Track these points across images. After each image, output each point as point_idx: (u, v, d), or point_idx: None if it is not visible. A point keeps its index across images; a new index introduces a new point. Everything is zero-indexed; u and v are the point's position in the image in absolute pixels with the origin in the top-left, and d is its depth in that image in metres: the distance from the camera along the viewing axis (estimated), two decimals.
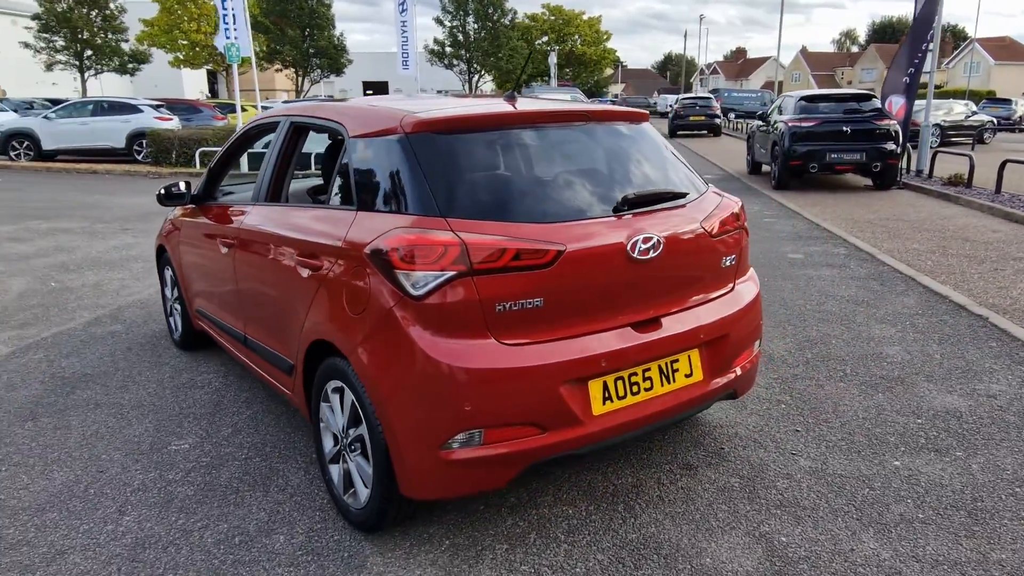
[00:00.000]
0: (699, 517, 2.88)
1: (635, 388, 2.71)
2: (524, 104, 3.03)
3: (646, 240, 2.68)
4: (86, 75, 30.89)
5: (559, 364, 2.49)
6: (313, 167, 9.70)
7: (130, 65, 31.45)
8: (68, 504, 3.04)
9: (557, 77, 52.00)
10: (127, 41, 30.46)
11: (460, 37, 31.06)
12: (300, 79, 30.62)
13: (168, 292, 5.08)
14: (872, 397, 3.96)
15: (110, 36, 29.88)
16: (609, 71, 74.53)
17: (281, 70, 30.63)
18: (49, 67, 30.63)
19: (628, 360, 2.66)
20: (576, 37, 57.97)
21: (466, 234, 2.42)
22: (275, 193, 3.51)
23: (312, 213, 3.11)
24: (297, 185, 3.98)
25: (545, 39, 55.27)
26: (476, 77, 32.81)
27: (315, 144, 3.94)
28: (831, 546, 2.68)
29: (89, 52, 30.63)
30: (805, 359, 4.57)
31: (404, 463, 2.47)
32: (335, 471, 2.92)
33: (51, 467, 3.35)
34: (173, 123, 18.62)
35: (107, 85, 43.53)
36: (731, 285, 3.11)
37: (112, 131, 17.93)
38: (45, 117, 18.15)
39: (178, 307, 4.89)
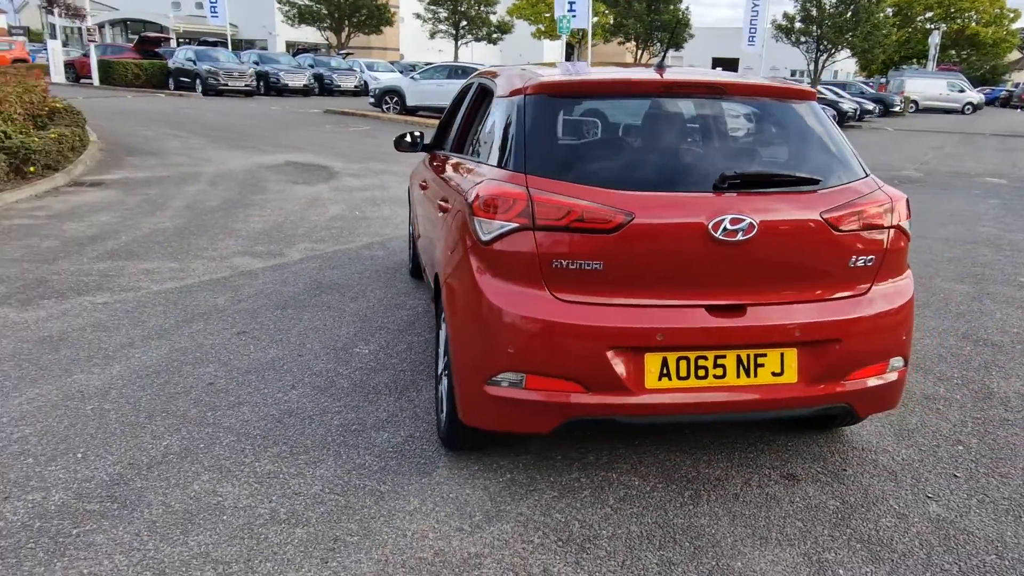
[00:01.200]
0: (762, 525, 2.70)
1: (701, 372, 2.62)
2: (666, 73, 3.01)
3: (734, 222, 2.55)
4: (459, 43, 35.17)
5: (608, 328, 2.54)
6: None
7: (494, 35, 34.99)
8: (265, 373, 3.88)
9: (937, 60, 45.36)
10: (495, 13, 33.92)
11: (814, 11, 28.70)
12: (640, 52, 31.24)
13: (408, 228, 5.93)
14: None
15: (482, 8, 33.54)
16: (1015, 55, 62.83)
17: (623, 43, 31.50)
18: (432, 35, 35.49)
19: (695, 341, 2.58)
20: (971, 14, 49.79)
21: (537, 191, 2.57)
22: (460, 144, 3.94)
23: (455, 162, 3.47)
24: None
25: (929, 15, 48.42)
26: (824, 56, 30.16)
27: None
28: None
29: (464, 23, 34.74)
30: None
31: (460, 390, 2.75)
32: (437, 391, 3.31)
33: (271, 345, 4.27)
34: None
35: (479, 53, 48.85)
36: (865, 287, 2.77)
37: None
38: (411, 78, 21.26)
39: (410, 241, 5.70)
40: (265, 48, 43.52)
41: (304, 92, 27.73)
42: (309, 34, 42.01)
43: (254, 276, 5.65)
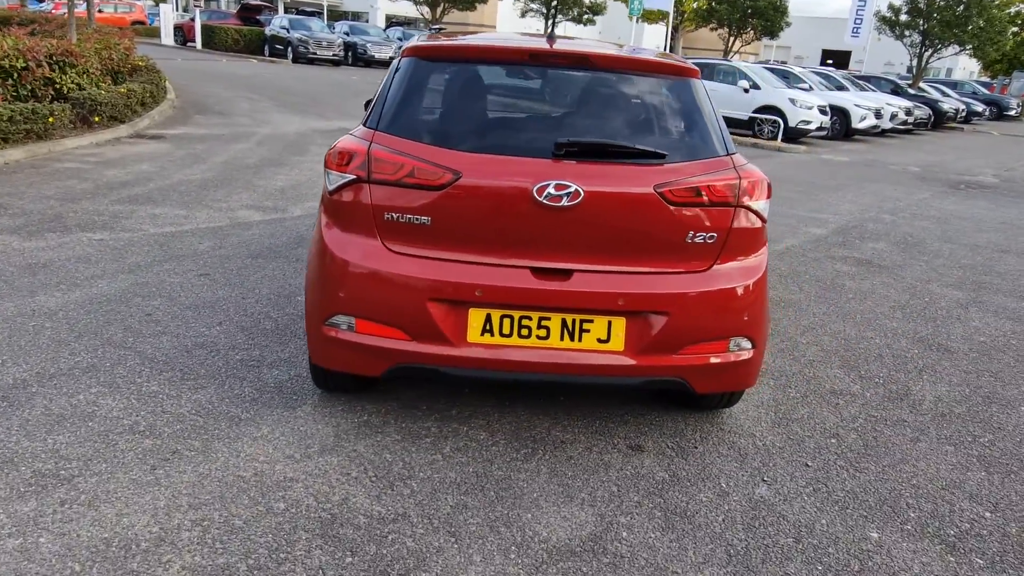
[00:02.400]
0: (577, 485, 2.77)
1: (525, 332, 2.71)
2: (533, 41, 3.07)
3: (559, 187, 2.61)
4: (549, 23, 35.07)
5: (429, 281, 2.67)
6: None
7: (585, 16, 34.72)
8: (202, 310, 4.19)
9: None
10: None
11: (922, 4, 26.82)
12: (731, 39, 30.22)
13: None
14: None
15: None
16: None
17: (715, 29, 30.55)
18: (523, 14, 35.53)
19: (517, 301, 2.68)
20: None
21: (378, 147, 2.71)
22: None
23: None
24: None
25: None
26: (929, 52, 28.24)
27: None
28: (650, 554, 2.40)
29: (555, 1, 34.60)
30: (941, 413, 3.63)
31: (307, 331, 2.94)
32: None
33: (224, 287, 4.59)
34: None
35: (576, 35, 48.41)
36: (705, 264, 2.78)
37: None
38: None
39: None
40: (366, 20, 44.71)
41: (389, 64, 28.35)
42: (407, 8, 42.83)
43: (247, 227, 6.02)
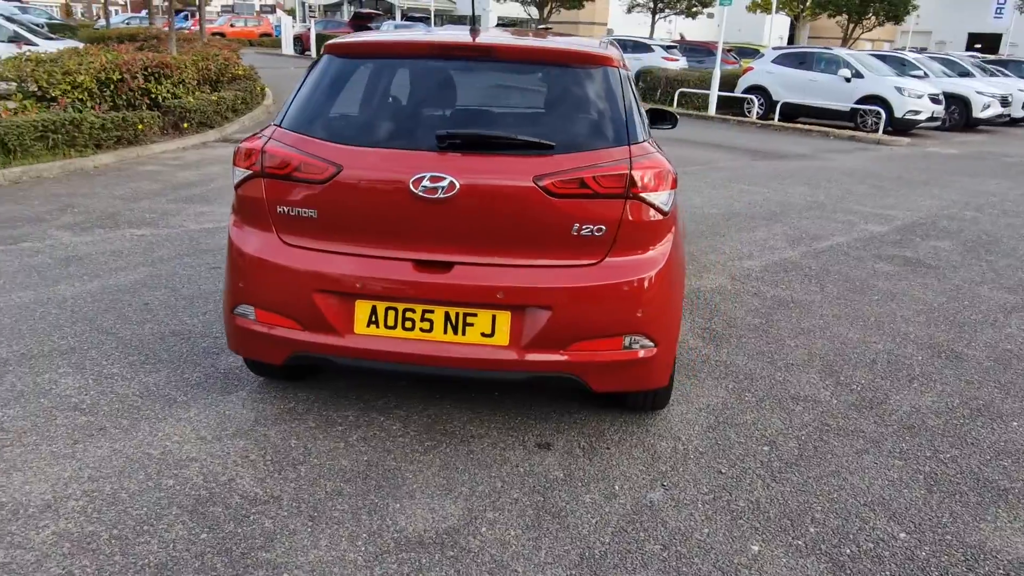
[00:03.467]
0: (464, 480, 2.76)
1: (408, 324, 2.73)
2: (450, 36, 3.07)
3: (434, 179, 2.62)
4: (656, 17, 34.38)
5: (312, 273, 2.74)
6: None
7: (694, 9, 33.72)
8: (196, 301, 4.47)
9: None
10: None
11: None
12: (851, 26, 28.25)
13: None
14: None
15: None
16: None
17: (833, 16, 28.70)
18: (629, 9, 35.00)
19: (397, 293, 2.70)
20: None
21: (273, 143, 2.82)
22: None
23: None
24: None
25: None
26: None
27: None
28: (499, 550, 2.35)
29: None
30: (909, 425, 3.31)
31: (224, 319, 3.09)
32: None
33: None
34: (678, 64, 19.84)
35: (692, 30, 47.18)
36: (594, 259, 2.69)
37: None
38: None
39: None
40: (477, 23, 45.50)
41: None
42: (514, 9, 43.29)
43: None
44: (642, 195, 2.69)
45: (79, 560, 2.27)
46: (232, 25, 38.39)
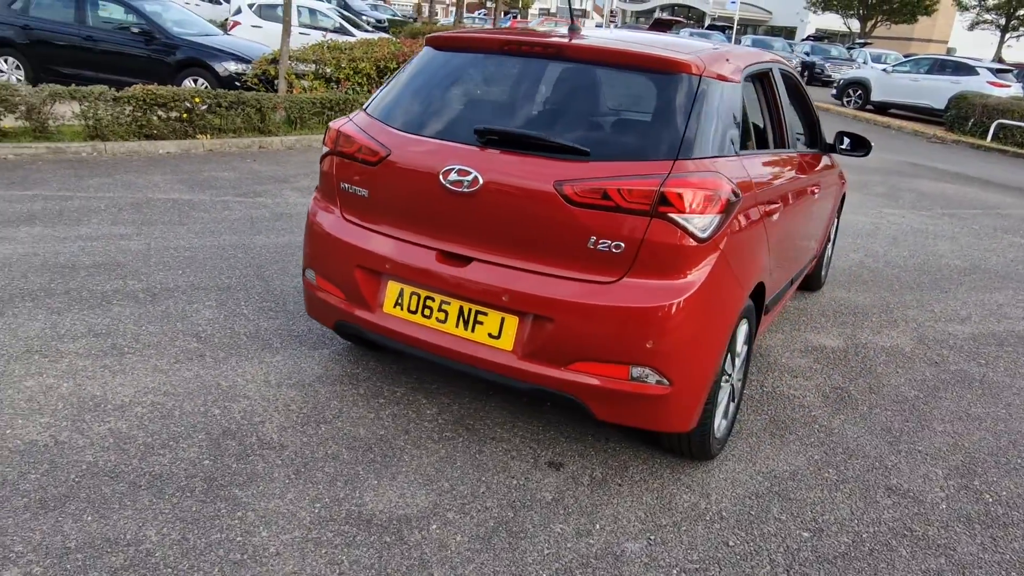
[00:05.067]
0: (455, 475, 2.74)
1: (427, 312, 2.78)
2: (536, 33, 3.00)
3: (461, 173, 2.61)
4: (1006, 36, 29.53)
5: (354, 248, 2.89)
6: None
7: None
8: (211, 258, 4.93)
9: None
10: None
11: None
12: None
13: None
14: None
15: None
16: None
17: None
18: (972, 26, 30.53)
19: (418, 280, 2.75)
20: None
21: (350, 124, 3.02)
22: None
23: None
24: None
25: None
26: None
27: None
28: (432, 550, 2.29)
29: (1022, 11, 28.96)
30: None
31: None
32: None
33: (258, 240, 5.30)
34: (1009, 91, 16.91)
35: None
36: (611, 277, 2.48)
37: (936, 91, 17.62)
38: (883, 69, 19.15)
39: None
40: (790, 35, 43.17)
41: None
42: (833, 21, 40.11)
43: None
44: (672, 215, 2.42)
45: (108, 455, 2.69)
46: (543, 26, 40.74)
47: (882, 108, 19.28)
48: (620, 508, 2.65)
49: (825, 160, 4.62)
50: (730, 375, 2.94)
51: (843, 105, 19.83)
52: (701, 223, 2.45)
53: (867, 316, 4.90)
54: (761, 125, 3.43)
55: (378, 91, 3.15)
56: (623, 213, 2.45)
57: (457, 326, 2.72)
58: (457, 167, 2.63)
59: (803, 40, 34.47)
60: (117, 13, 10.38)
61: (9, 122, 7.40)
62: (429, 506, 2.57)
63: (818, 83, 27.02)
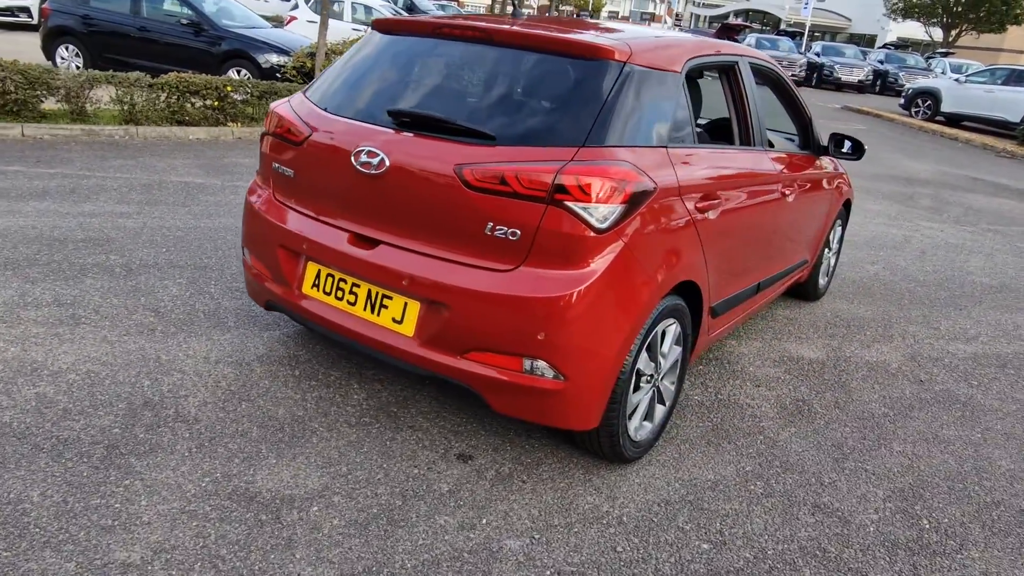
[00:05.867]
0: (358, 459, 2.71)
1: (339, 294, 2.76)
2: (472, 18, 2.94)
3: (370, 155, 2.58)
4: None
5: (278, 228, 2.90)
6: None
7: None
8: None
9: None
10: None
11: None
12: None
13: None
14: None
15: None
16: None
17: None
18: None
19: (332, 261, 2.74)
20: None
21: (284, 105, 3.02)
22: None
23: None
24: None
25: None
26: None
27: None
28: (302, 530, 2.26)
29: None
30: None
31: None
32: None
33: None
34: None
35: None
36: (509, 264, 2.41)
37: (1013, 103, 16.66)
38: (956, 80, 18.23)
39: None
40: (870, 43, 41.69)
41: (859, 88, 26.14)
42: (917, 30, 38.47)
43: None
44: (568, 203, 2.33)
45: (25, 417, 2.77)
46: None
47: (954, 120, 18.36)
48: (515, 505, 2.57)
49: (821, 163, 4.41)
50: (652, 376, 2.82)
51: (911, 115, 18.96)
52: (600, 213, 2.35)
53: (862, 329, 4.65)
54: (712, 119, 3.28)
55: (320, 74, 3.16)
56: (520, 199, 2.37)
57: (365, 309, 2.69)
58: (367, 148, 2.61)
59: (879, 48, 33.18)
60: (170, 5, 10.79)
61: (50, 104, 7.79)
62: (318, 488, 2.55)
63: (891, 92, 25.97)
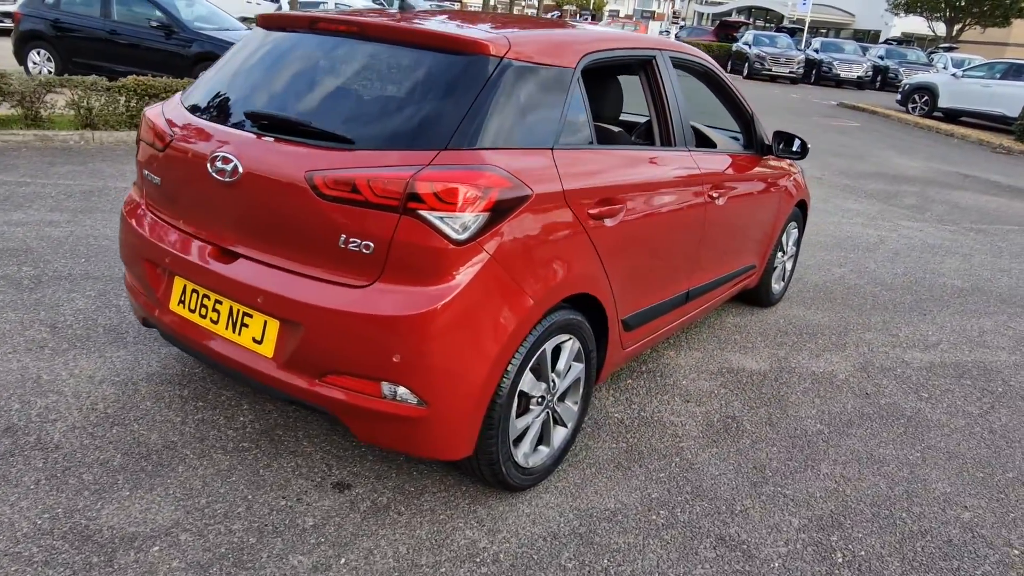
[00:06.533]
0: (221, 490, 2.50)
1: (203, 312, 2.55)
2: (346, 12, 2.74)
3: (224, 160, 2.38)
4: None
5: (144, 241, 2.70)
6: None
7: None
8: None
9: None
10: None
11: None
12: None
13: None
14: None
15: None
16: None
17: None
18: None
19: (194, 276, 2.53)
20: None
21: (152, 109, 2.83)
22: None
23: None
24: None
25: None
26: None
27: None
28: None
29: None
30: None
31: None
32: None
33: None
34: None
35: None
36: (366, 280, 2.20)
37: (1011, 98, 16.29)
38: (953, 74, 17.88)
39: None
40: (875, 39, 41.25)
41: (858, 84, 25.77)
42: (920, 25, 37.98)
43: None
44: (422, 212, 2.11)
45: None
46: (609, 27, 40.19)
47: (952, 116, 18.00)
48: (382, 541, 2.36)
49: (766, 163, 4.17)
50: (543, 398, 2.60)
51: (907, 111, 18.62)
52: (459, 222, 2.14)
53: (814, 337, 4.41)
54: (617, 118, 3.06)
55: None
56: (373, 209, 2.16)
57: (227, 328, 2.49)
58: (222, 154, 2.40)
59: (881, 43, 32.77)
60: (139, 8, 10.63)
61: (4, 110, 7.63)
62: (168, 524, 2.34)
63: (891, 89, 25.57)
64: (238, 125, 2.50)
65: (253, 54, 2.78)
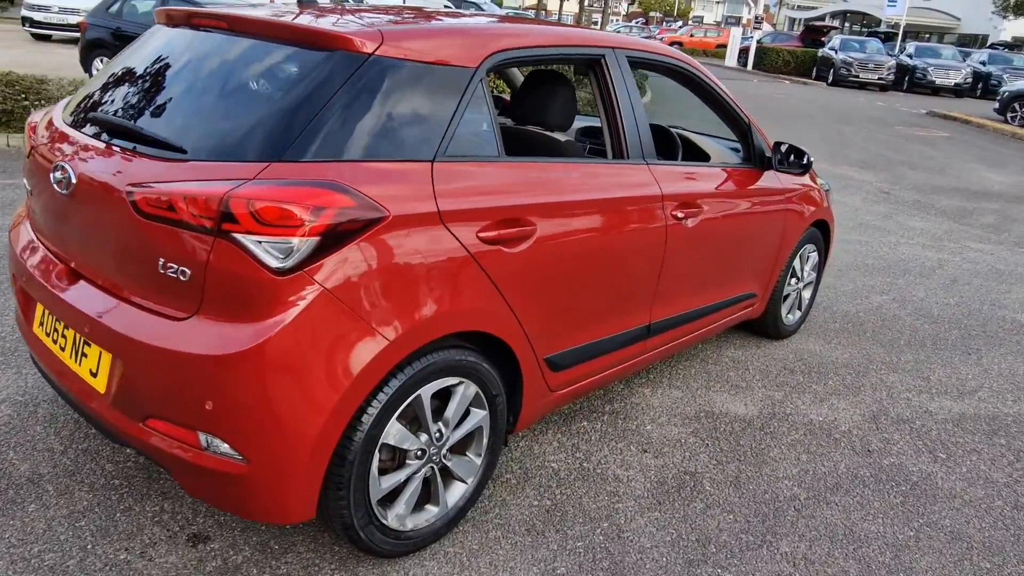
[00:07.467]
0: (64, 538, 2.25)
1: (53, 337, 2.31)
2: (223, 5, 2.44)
3: (62, 171, 2.13)
4: None
5: (12, 256, 2.50)
6: None
7: None
8: None
9: None
10: None
11: None
12: None
13: None
14: None
15: None
16: None
17: None
18: None
19: (41, 298, 2.30)
20: None
21: (37, 115, 2.62)
22: None
23: None
24: None
25: None
26: None
27: None
28: None
29: None
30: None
31: None
32: None
33: None
34: None
35: None
36: (186, 312, 1.89)
37: None
38: None
39: None
40: (983, 45, 38.62)
41: (956, 91, 24.01)
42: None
43: None
44: (236, 235, 1.79)
45: None
46: (692, 35, 39.12)
47: None
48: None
49: (767, 178, 3.66)
50: (425, 451, 2.22)
51: (1006, 121, 17.10)
52: (280, 248, 1.80)
53: (824, 377, 3.84)
54: (567, 126, 2.65)
55: None
56: (188, 230, 1.85)
57: (71, 357, 2.23)
58: (60, 164, 2.15)
59: (984, 48, 30.51)
60: None
61: None
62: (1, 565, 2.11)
63: (993, 96, 23.68)
64: (84, 131, 2.24)
65: (136, 52, 2.53)
